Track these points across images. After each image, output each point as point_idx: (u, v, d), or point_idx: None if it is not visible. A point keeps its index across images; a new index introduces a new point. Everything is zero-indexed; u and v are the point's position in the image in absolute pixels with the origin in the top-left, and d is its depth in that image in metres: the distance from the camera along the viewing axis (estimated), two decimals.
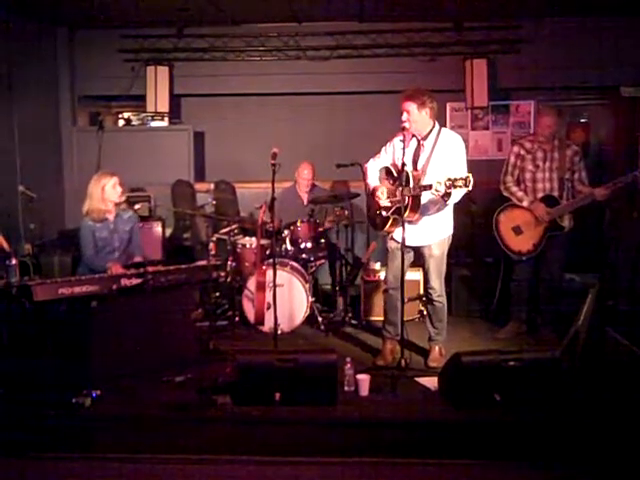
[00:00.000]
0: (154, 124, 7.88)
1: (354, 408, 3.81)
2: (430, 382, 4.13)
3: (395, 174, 4.45)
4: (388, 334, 4.72)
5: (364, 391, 3.98)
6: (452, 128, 7.44)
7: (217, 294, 5.93)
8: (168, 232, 6.81)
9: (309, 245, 5.74)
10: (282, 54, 7.39)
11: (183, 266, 4.85)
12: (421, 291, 5.22)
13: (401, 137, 4.43)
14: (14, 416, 3.67)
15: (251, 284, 5.42)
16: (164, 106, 7.35)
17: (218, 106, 7.69)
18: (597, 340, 4.28)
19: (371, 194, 4.62)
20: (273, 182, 4.63)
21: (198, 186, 7.21)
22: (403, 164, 4.22)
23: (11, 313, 4.21)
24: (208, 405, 3.76)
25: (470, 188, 3.96)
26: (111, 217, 5.01)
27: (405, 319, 4.33)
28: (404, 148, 4.25)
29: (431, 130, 4.42)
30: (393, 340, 4.69)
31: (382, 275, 5.73)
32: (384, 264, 4.85)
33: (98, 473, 3.25)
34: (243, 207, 7.02)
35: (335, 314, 5.85)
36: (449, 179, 3.96)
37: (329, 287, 6.32)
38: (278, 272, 4.84)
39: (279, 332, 4.77)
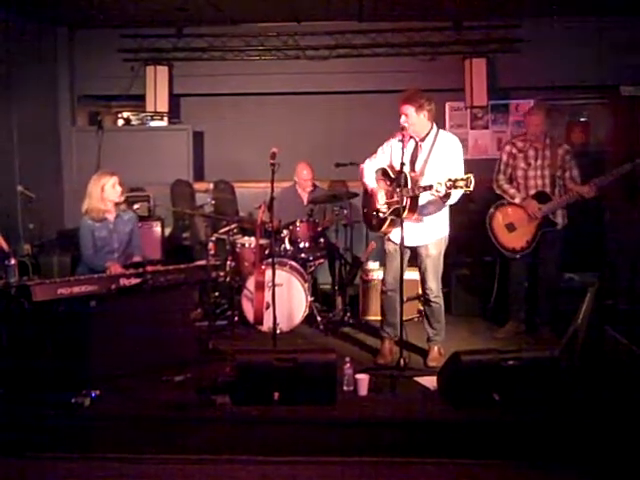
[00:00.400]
0: (153, 124, 7.88)
1: (353, 408, 3.82)
2: (429, 382, 4.13)
3: (392, 175, 4.46)
4: (387, 335, 4.72)
5: (363, 391, 3.98)
6: (451, 127, 7.51)
7: (216, 294, 5.93)
8: (167, 232, 6.80)
9: (308, 245, 5.75)
10: (281, 54, 7.39)
11: (182, 266, 4.85)
12: (420, 291, 5.22)
13: (399, 138, 4.44)
14: (14, 416, 3.67)
15: (250, 284, 5.42)
16: (163, 106, 7.35)
17: (217, 106, 7.69)
18: (596, 339, 4.28)
19: (369, 195, 4.62)
20: (272, 182, 4.63)
21: (197, 186, 7.22)
22: (402, 164, 4.21)
23: (10, 313, 4.20)
24: (207, 405, 3.76)
25: (471, 189, 3.97)
26: (111, 217, 5.01)
27: (404, 319, 4.32)
28: (403, 149, 4.25)
29: (429, 132, 4.43)
30: (392, 340, 4.70)
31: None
32: (382, 264, 4.84)
33: (97, 473, 3.25)
34: (242, 207, 7.02)
35: (334, 314, 5.85)
36: (450, 180, 3.97)
37: (328, 287, 6.32)
38: (277, 272, 4.84)
39: (278, 332, 4.77)
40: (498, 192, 5.21)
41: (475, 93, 7.04)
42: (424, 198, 4.34)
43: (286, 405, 3.70)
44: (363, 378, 4.00)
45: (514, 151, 5.16)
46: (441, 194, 4.05)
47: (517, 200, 5.09)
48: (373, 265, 5.90)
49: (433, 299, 4.59)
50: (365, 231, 5.65)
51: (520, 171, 5.12)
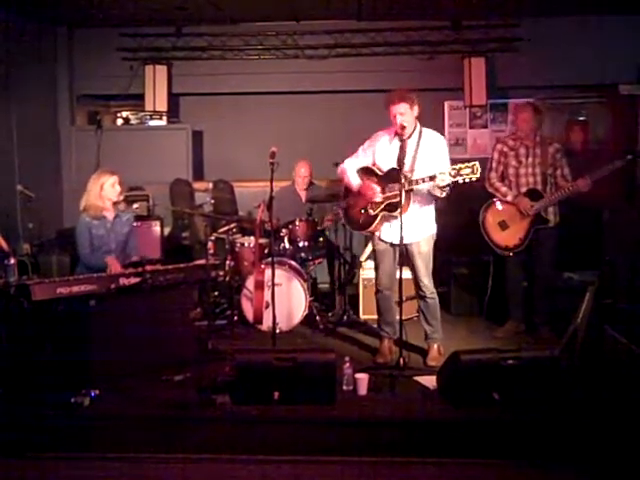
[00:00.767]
0: (152, 123, 7.87)
1: (353, 407, 3.82)
2: (429, 381, 4.13)
3: (380, 172, 4.48)
4: (386, 334, 4.72)
5: (363, 390, 3.98)
6: (450, 126, 7.53)
7: (216, 293, 5.93)
8: (166, 231, 6.80)
9: (307, 244, 5.74)
10: (280, 53, 7.39)
11: (182, 265, 4.85)
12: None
13: (385, 136, 4.50)
14: (13, 416, 3.67)
15: (250, 283, 5.42)
16: (162, 105, 7.34)
17: (216, 105, 7.68)
18: (596, 338, 4.29)
19: (354, 193, 4.59)
20: (272, 181, 4.63)
21: (196, 185, 7.21)
22: (400, 161, 4.23)
23: (10, 313, 4.20)
24: (207, 404, 3.76)
25: (478, 175, 4.05)
26: (109, 216, 5.01)
27: (403, 318, 4.31)
28: (404, 147, 4.25)
29: (414, 129, 4.44)
30: (391, 339, 4.70)
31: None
32: (375, 265, 4.81)
33: (97, 473, 3.26)
34: (241, 206, 7.02)
35: (334, 313, 5.85)
36: (454, 168, 4.04)
37: (328, 286, 6.32)
38: (277, 271, 4.84)
39: (278, 331, 4.77)
40: (490, 190, 5.23)
41: (474, 92, 7.05)
42: (416, 194, 4.37)
43: (286, 405, 3.70)
44: (363, 378, 4.00)
45: (505, 149, 5.18)
46: (445, 183, 4.09)
47: (509, 198, 5.11)
48: (373, 265, 5.89)
49: (429, 295, 4.59)
50: None
51: (511, 169, 5.14)
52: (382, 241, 4.58)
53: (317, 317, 5.60)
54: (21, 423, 3.60)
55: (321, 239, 5.84)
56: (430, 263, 4.58)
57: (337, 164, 5.43)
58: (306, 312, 5.47)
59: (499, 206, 5.18)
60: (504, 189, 5.14)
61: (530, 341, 5.04)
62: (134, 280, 4.48)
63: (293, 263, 5.62)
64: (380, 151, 4.53)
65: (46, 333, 4.16)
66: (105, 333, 4.23)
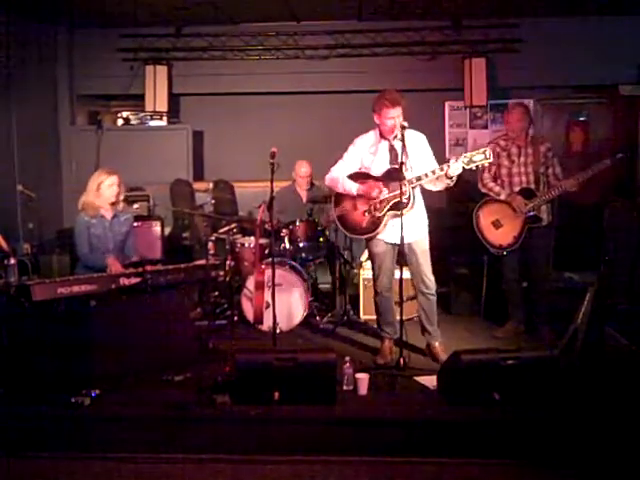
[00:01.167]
0: (153, 123, 7.88)
1: (353, 407, 3.82)
2: (429, 381, 4.13)
3: (376, 175, 4.48)
4: (387, 334, 4.71)
5: (363, 390, 3.98)
6: (451, 127, 7.56)
7: (216, 293, 5.92)
8: (167, 231, 6.79)
9: (308, 244, 5.74)
10: (281, 53, 7.40)
11: (182, 265, 4.86)
12: None
13: (369, 140, 4.54)
14: (14, 416, 3.67)
15: (250, 283, 5.42)
16: (163, 105, 7.36)
17: (217, 105, 7.69)
18: (596, 339, 4.28)
19: (355, 197, 4.54)
20: (272, 181, 4.62)
21: (197, 185, 7.21)
22: (397, 159, 4.29)
23: (10, 313, 4.20)
24: (207, 404, 3.75)
25: (491, 160, 4.23)
26: (108, 215, 5.02)
27: (403, 318, 4.31)
28: (403, 147, 4.25)
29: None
30: (391, 339, 4.69)
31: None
32: (373, 267, 4.80)
33: (98, 473, 3.25)
34: (242, 206, 7.02)
35: (334, 313, 5.85)
36: (465, 156, 4.16)
37: (328, 286, 6.31)
38: (277, 271, 4.83)
39: (278, 331, 4.76)
40: (484, 191, 5.25)
41: (474, 92, 7.06)
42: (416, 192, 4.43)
43: (286, 404, 3.69)
44: (363, 377, 4.00)
45: (497, 150, 5.19)
46: (458, 172, 4.18)
47: (503, 196, 5.13)
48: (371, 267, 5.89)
49: (432, 292, 4.59)
50: None
51: (504, 169, 5.16)
52: (382, 242, 4.56)
53: (317, 317, 5.60)
54: (21, 423, 3.60)
55: (321, 239, 5.83)
56: (429, 260, 4.59)
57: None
58: (306, 312, 5.47)
59: (492, 205, 5.18)
60: (497, 188, 5.16)
61: (530, 341, 5.04)
62: (134, 280, 4.48)
63: (293, 263, 5.62)
64: (368, 155, 4.53)
65: (46, 333, 4.16)
66: (105, 333, 4.23)
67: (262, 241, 5.64)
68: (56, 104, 7.48)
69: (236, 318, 5.55)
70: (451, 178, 4.27)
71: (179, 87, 7.51)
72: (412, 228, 4.40)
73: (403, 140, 4.26)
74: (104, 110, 8.27)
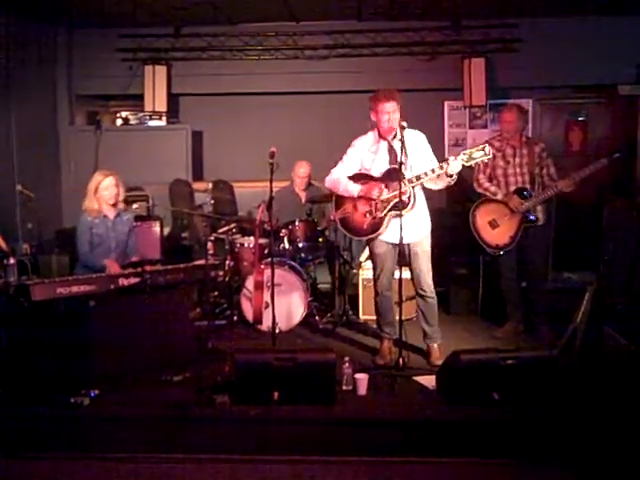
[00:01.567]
0: (152, 123, 7.88)
1: (352, 407, 3.82)
2: (428, 381, 4.13)
3: (376, 175, 4.47)
4: (386, 335, 4.71)
5: (362, 390, 3.98)
6: (450, 127, 7.56)
7: (215, 293, 5.92)
8: (166, 231, 6.79)
9: (307, 244, 5.74)
10: (280, 53, 7.40)
11: (181, 265, 4.85)
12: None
13: (368, 141, 4.53)
14: (13, 416, 3.67)
15: (249, 283, 5.42)
16: (162, 105, 7.35)
17: (216, 105, 7.69)
18: (595, 339, 4.29)
19: (357, 198, 4.52)
20: (271, 181, 4.62)
21: (196, 185, 7.22)
22: (396, 159, 4.28)
23: (9, 313, 4.20)
24: (207, 404, 3.76)
25: (490, 155, 4.25)
26: (111, 215, 5.03)
27: (403, 318, 4.31)
28: (403, 147, 4.25)
29: (396, 129, 4.42)
30: (391, 339, 4.69)
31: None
32: (373, 267, 4.80)
33: (97, 473, 3.26)
34: (241, 206, 7.02)
35: (333, 313, 5.85)
36: (465, 153, 4.17)
37: (327, 286, 6.31)
38: (276, 271, 4.83)
39: (277, 331, 4.76)
40: (479, 191, 5.26)
41: (474, 92, 7.06)
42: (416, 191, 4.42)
43: (285, 404, 3.69)
44: (362, 377, 4.00)
45: (492, 151, 5.19)
46: (458, 170, 4.18)
47: (499, 196, 5.13)
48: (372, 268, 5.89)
49: (431, 295, 4.59)
50: None
51: (499, 170, 5.17)
52: (383, 242, 4.55)
53: (316, 317, 5.60)
54: (20, 424, 3.61)
55: (321, 239, 5.83)
56: (430, 261, 4.59)
57: None
58: (306, 312, 5.47)
59: (488, 205, 5.19)
60: (493, 188, 5.17)
61: (529, 341, 5.04)
62: (134, 280, 4.48)
63: (293, 263, 5.62)
64: (368, 156, 4.52)
65: (46, 333, 4.16)
66: (104, 333, 4.23)
67: (261, 241, 5.64)
68: (55, 104, 7.48)
69: (235, 318, 5.57)
70: (451, 176, 4.27)
71: (178, 87, 7.50)
72: (413, 228, 4.40)
73: (402, 140, 4.25)
74: (103, 110, 8.27)
